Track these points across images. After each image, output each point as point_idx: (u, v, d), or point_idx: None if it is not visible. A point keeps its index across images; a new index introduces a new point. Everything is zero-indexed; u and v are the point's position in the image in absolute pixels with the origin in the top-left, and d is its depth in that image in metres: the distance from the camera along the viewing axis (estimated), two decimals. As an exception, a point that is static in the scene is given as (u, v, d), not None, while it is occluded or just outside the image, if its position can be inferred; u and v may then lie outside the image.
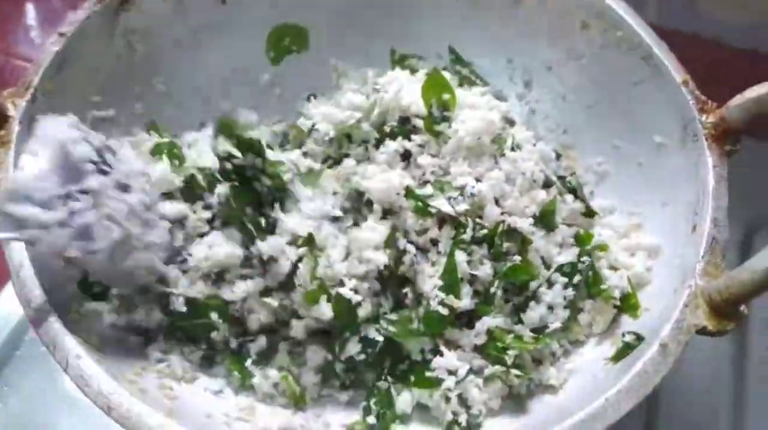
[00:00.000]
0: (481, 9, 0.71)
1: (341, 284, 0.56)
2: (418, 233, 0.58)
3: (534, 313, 0.57)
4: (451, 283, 0.56)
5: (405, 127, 0.63)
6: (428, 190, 0.59)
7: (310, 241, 0.56)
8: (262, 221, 0.57)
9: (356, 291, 0.56)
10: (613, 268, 0.61)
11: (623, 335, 0.54)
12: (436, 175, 0.60)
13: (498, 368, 0.55)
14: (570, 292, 0.58)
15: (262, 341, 0.57)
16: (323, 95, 0.69)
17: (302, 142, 0.66)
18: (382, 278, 0.57)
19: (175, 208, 0.57)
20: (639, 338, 0.53)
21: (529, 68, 0.71)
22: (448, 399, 0.54)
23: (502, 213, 0.59)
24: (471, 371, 0.55)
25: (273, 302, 0.56)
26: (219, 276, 0.57)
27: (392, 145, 0.62)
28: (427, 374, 0.56)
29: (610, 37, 0.64)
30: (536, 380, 0.56)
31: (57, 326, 0.48)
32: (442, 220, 0.58)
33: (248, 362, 0.56)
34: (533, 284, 0.58)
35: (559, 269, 0.59)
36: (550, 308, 0.58)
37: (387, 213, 0.59)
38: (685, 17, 0.88)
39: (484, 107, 0.64)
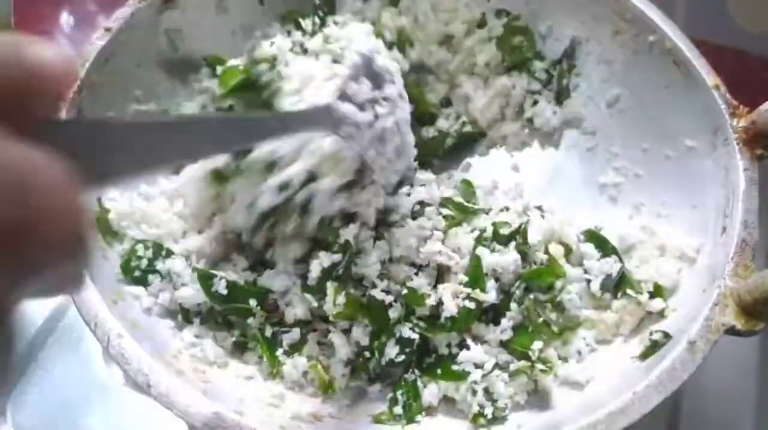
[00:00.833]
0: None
1: (373, 286, 0.57)
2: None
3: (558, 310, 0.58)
4: (476, 277, 0.57)
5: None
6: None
7: (346, 246, 0.56)
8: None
9: (388, 292, 0.56)
10: (642, 269, 0.61)
11: (651, 333, 0.54)
12: None
13: (523, 363, 0.55)
14: (597, 290, 0.58)
15: (295, 333, 0.58)
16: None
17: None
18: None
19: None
20: (667, 336, 0.53)
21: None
22: (474, 392, 0.55)
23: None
24: (497, 365, 0.56)
25: (312, 300, 0.56)
26: (263, 264, 0.58)
27: None
28: (454, 367, 0.56)
29: (641, 42, 0.65)
30: (562, 376, 0.56)
31: (100, 306, 0.49)
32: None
33: (279, 352, 0.57)
34: (558, 283, 0.59)
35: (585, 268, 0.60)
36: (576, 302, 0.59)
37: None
38: (715, 27, 0.88)
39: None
